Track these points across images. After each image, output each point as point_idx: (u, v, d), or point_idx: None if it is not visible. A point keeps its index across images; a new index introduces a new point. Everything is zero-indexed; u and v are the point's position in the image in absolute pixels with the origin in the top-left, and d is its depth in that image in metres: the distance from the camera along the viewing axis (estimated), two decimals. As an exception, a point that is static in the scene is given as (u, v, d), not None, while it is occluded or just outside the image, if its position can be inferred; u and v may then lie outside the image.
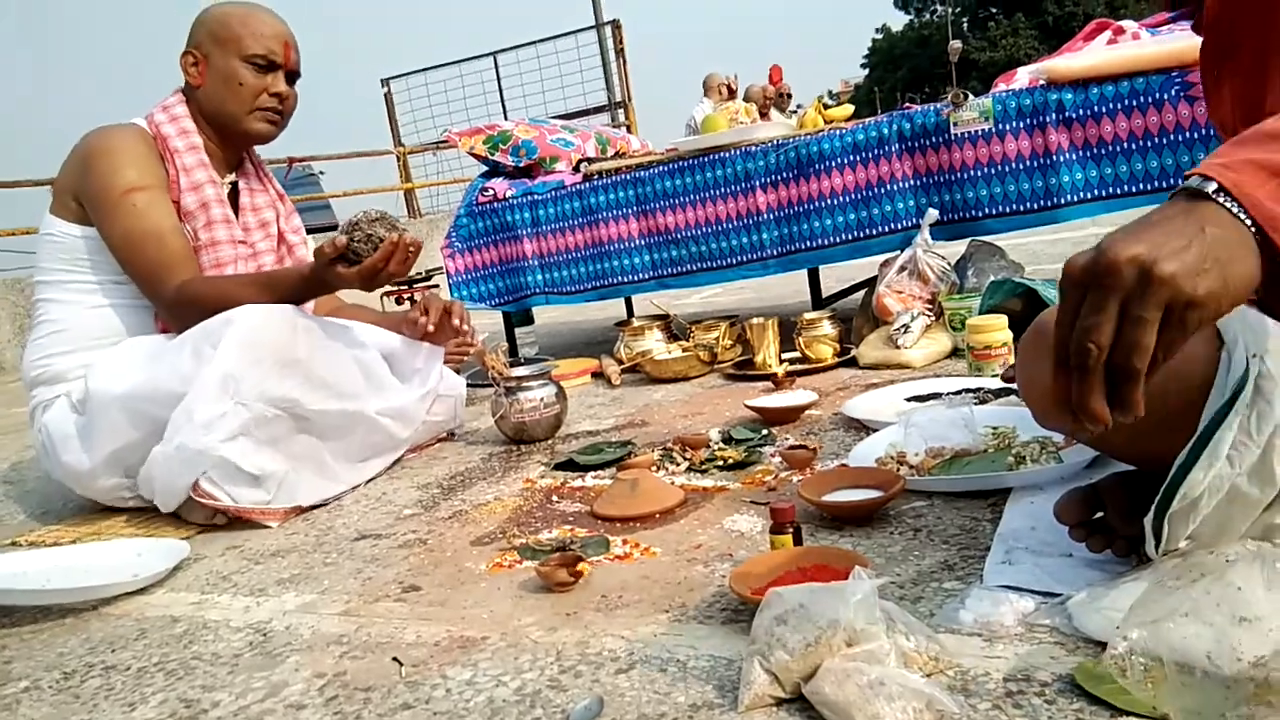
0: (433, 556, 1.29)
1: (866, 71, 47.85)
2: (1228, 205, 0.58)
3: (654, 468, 1.54)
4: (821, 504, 1.19)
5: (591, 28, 8.82)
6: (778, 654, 0.76)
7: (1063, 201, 2.11)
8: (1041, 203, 2.14)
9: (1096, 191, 2.09)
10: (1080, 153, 2.09)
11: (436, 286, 3.54)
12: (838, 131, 2.36)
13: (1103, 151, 2.06)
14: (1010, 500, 1.14)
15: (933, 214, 2.20)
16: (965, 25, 39.48)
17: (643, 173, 2.61)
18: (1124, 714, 0.68)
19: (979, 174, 2.18)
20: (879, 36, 46.76)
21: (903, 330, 2.08)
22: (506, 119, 6.06)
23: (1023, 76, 2.25)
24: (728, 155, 2.48)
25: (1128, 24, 2.40)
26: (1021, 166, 2.14)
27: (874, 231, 2.33)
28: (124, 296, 1.76)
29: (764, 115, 5.69)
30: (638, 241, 2.64)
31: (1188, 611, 0.68)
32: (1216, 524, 0.79)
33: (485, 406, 2.13)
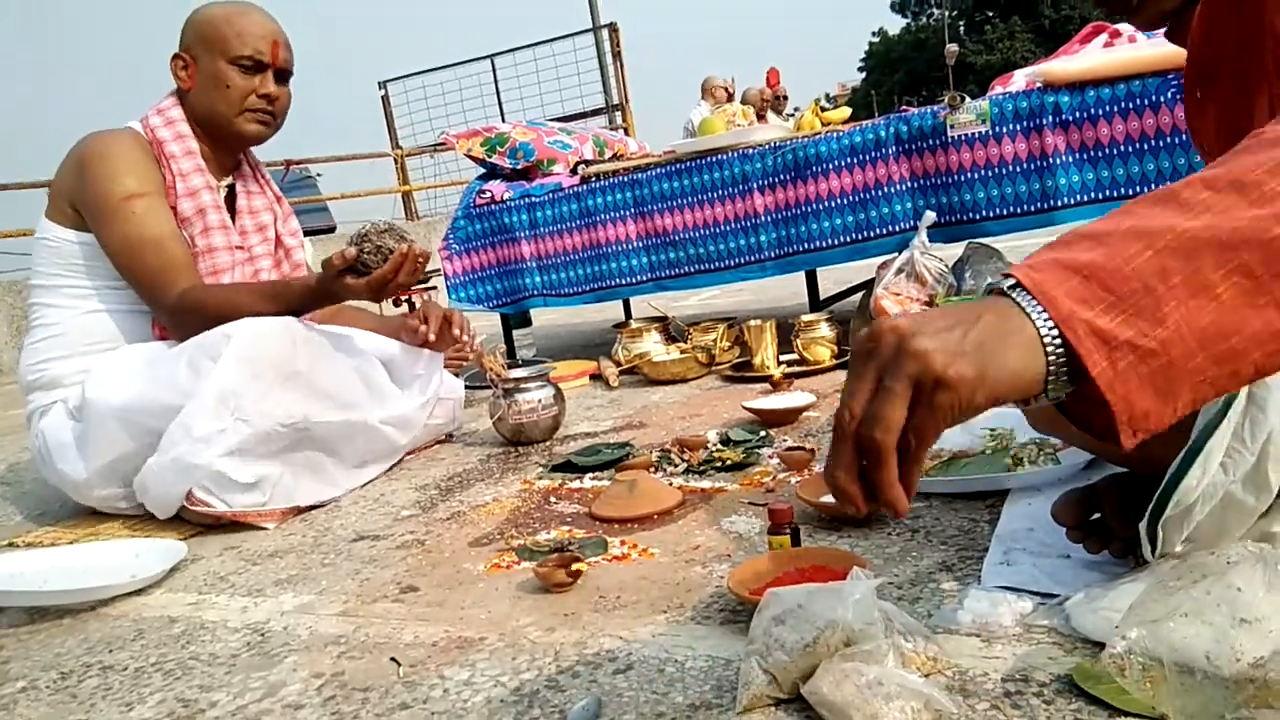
0: (431, 557, 1.29)
1: (863, 74, 47.92)
2: (1018, 299, 0.54)
3: (652, 469, 1.54)
4: (819, 505, 1.19)
5: (589, 30, 8.83)
6: (776, 654, 0.76)
7: (1060, 204, 2.12)
8: (1039, 205, 2.14)
9: (1093, 194, 2.09)
10: (1077, 155, 2.09)
11: (434, 289, 3.54)
12: (835, 134, 2.37)
13: (1099, 154, 2.07)
14: (1008, 501, 1.14)
15: (930, 216, 2.21)
16: (962, 29, 39.56)
17: (640, 175, 2.61)
18: (1122, 714, 0.68)
19: (976, 176, 2.19)
20: (876, 40, 46.84)
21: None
22: (504, 121, 6.07)
23: (1019, 79, 2.26)
24: (725, 158, 2.48)
25: (1124, 27, 2.40)
26: (1019, 169, 2.14)
27: (872, 234, 2.33)
28: (120, 302, 1.75)
29: (761, 118, 5.70)
30: (635, 244, 2.64)
31: (1188, 612, 0.69)
32: (1212, 531, 0.80)
33: (483, 408, 2.12)
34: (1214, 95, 0.82)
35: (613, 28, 8.70)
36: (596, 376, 2.51)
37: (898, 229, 2.30)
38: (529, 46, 8.62)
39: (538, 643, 0.96)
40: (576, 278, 2.76)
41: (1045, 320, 0.53)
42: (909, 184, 2.28)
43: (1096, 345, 0.52)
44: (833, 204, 2.35)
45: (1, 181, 5.23)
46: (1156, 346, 0.51)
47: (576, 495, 1.49)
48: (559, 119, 7.30)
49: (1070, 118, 2.07)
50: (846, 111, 2.84)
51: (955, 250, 2.36)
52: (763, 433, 1.65)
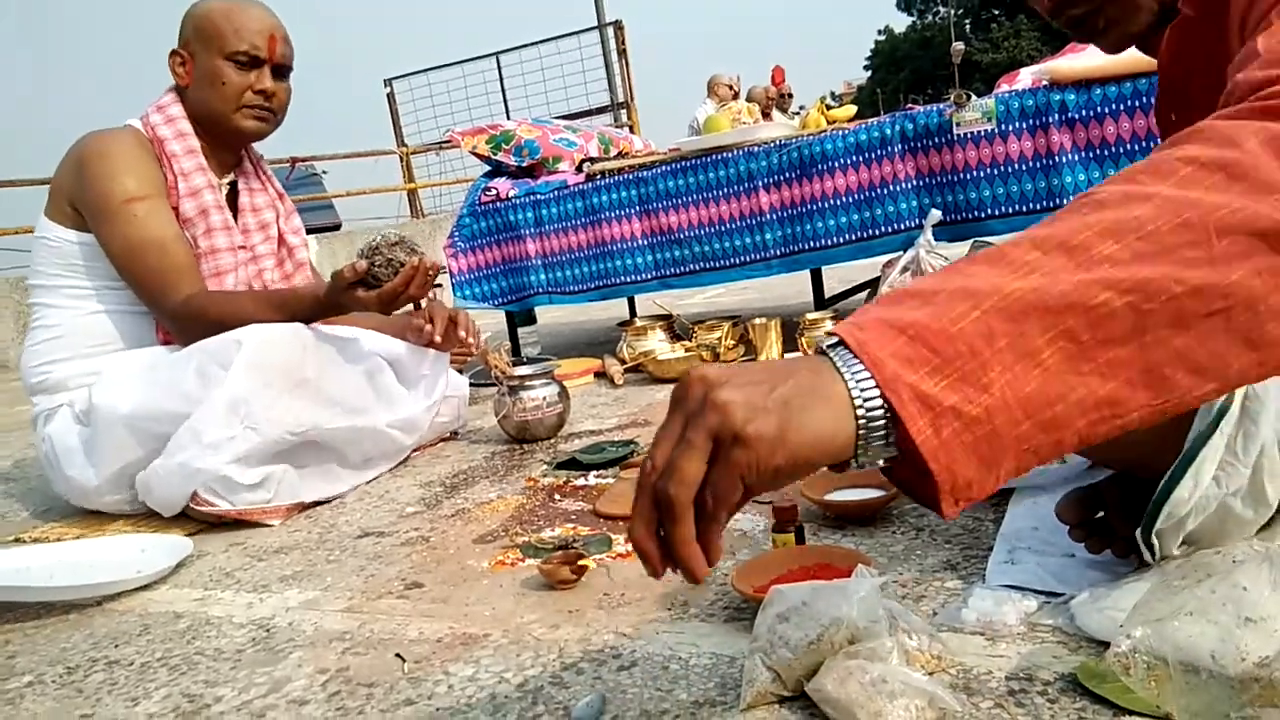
0: (435, 554, 1.29)
1: (869, 73, 47.82)
2: (834, 358, 0.52)
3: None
4: (824, 503, 1.19)
5: (594, 28, 8.83)
6: (780, 652, 0.76)
7: (1065, 202, 2.11)
8: (1044, 203, 2.14)
9: (1100, 193, 2.09)
10: (1083, 154, 2.09)
11: (440, 286, 3.55)
12: (840, 132, 2.36)
13: (1105, 152, 2.06)
14: (1013, 500, 1.14)
15: (935, 214, 2.21)
16: (968, 27, 39.48)
17: (645, 173, 2.61)
18: (1127, 713, 0.68)
19: (982, 175, 2.18)
20: (881, 38, 46.74)
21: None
22: (509, 119, 6.07)
23: (1025, 78, 2.25)
24: (730, 155, 2.48)
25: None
26: (1024, 167, 2.14)
27: (877, 232, 2.33)
28: (122, 302, 1.74)
29: (766, 116, 5.69)
30: (640, 241, 2.64)
31: (1193, 611, 0.69)
32: (1211, 541, 0.80)
33: (488, 406, 2.13)
34: (1188, 118, 0.82)
35: (618, 26, 8.69)
36: (601, 374, 2.51)
37: (903, 227, 2.29)
38: (534, 44, 8.62)
39: (542, 639, 0.97)
40: (581, 275, 2.76)
41: (861, 381, 0.51)
42: (914, 182, 2.28)
43: (921, 411, 0.50)
44: (838, 202, 2.35)
45: (6, 178, 5.25)
46: (981, 414, 0.49)
47: (581, 493, 1.49)
48: (564, 117, 7.30)
49: (1076, 116, 2.07)
50: (852, 109, 2.83)
51: (960, 249, 2.34)
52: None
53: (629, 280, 2.68)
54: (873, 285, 2.40)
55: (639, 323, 2.67)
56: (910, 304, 0.53)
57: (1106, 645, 0.74)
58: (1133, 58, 2.11)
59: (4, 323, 5.23)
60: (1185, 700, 0.66)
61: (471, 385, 2.23)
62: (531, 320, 3.07)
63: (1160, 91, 0.88)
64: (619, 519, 1.31)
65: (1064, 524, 0.92)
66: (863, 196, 2.32)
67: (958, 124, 2.19)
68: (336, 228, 8.91)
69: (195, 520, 1.58)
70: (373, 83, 9.12)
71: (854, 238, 2.36)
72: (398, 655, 0.98)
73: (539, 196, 2.77)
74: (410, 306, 1.79)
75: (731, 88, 7.17)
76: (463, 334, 1.87)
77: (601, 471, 1.59)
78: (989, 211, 2.20)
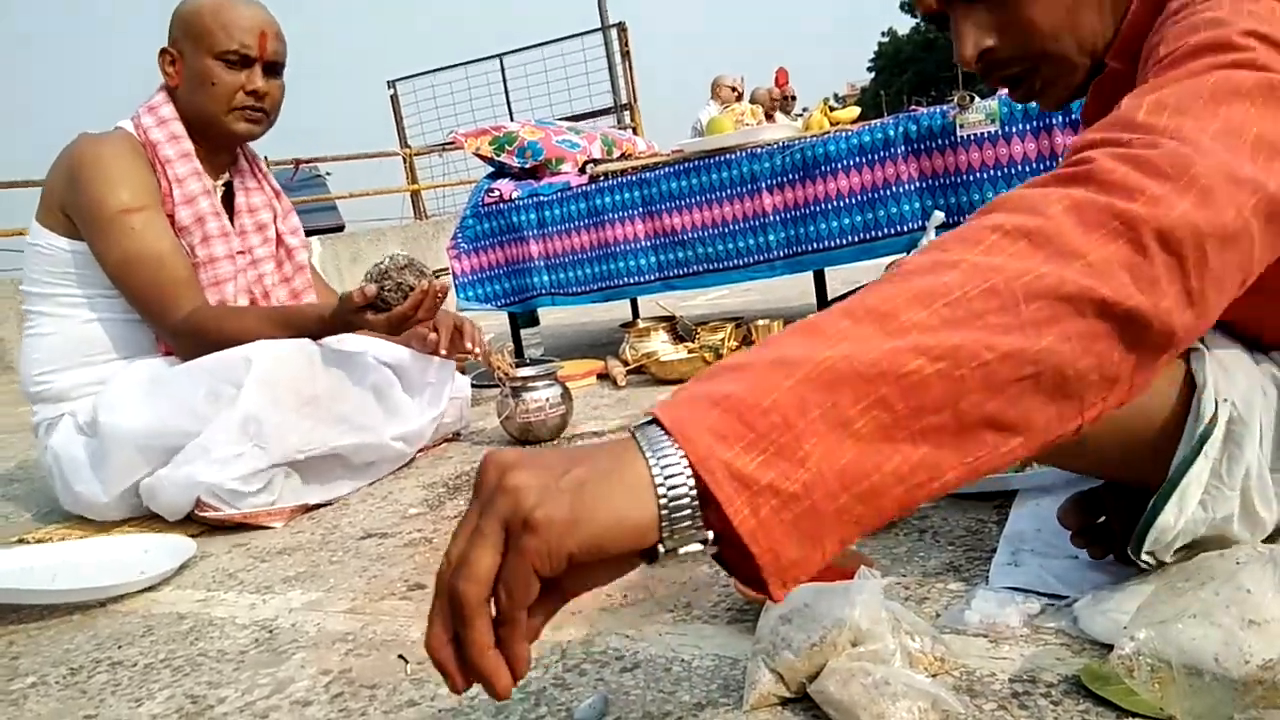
0: (438, 555, 1.29)
1: (872, 74, 47.80)
2: (639, 438, 0.50)
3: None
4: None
5: (597, 30, 8.83)
6: (783, 653, 0.76)
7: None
8: (1048, 205, 2.14)
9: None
10: (1087, 155, 2.09)
11: (439, 277, 3.55)
12: (844, 134, 2.36)
13: (1110, 154, 2.06)
14: (1016, 502, 1.14)
15: (939, 216, 2.20)
16: (972, 28, 39.30)
17: (648, 174, 2.61)
18: (1130, 715, 0.68)
19: (985, 176, 2.18)
20: (885, 40, 46.73)
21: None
22: (512, 120, 6.08)
23: (1029, 79, 2.25)
24: (734, 157, 2.48)
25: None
26: (1028, 169, 2.13)
27: (880, 233, 2.33)
28: (118, 311, 1.70)
29: (769, 117, 5.70)
30: (643, 243, 2.64)
31: (1196, 613, 0.68)
32: (1212, 549, 0.80)
33: (491, 407, 2.13)
34: None
35: (621, 27, 8.70)
36: (604, 376, 2.51)
37: (906, 229, 2.29)
38: (538, 46, 8.63)
39: (544, 641, 0.97)
40: (584, 277, 2.76)
41: (664, 460, 0.48)
42: (918, 184, 2.28)
43: (738, 490, 0.47)
44: (841, 204, 2.35)
45: (5, 180, 5.24)
46: (799, 490, 0.48)
47: (584, 494, 1.49)
48: (567, 118, 7.30)
49: (1079, 118, 2.06)
50: (855, 111, 2.83)
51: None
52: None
53: (632, 282, 2.69)
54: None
55: (642, 324, 2.67)
56: (725, 377, 0.51)
57: (1110, 648, 0.73)
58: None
59: (8, 324, 5.24)
60: (1188, 703, 0.66)
61: (474, 387, 2.23)
62: (534, 321, 3.07)
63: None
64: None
65: (1065, 529, 0.92)
66: (866, 198, 2.32)
67: (961, 126, 2.19)
68: (340, 229, 8.92)
69: (199, 522, 1.58)
70: (376, 84, 9.14)
71: (857, 239, 2.36)
72: (400, 656, 0.98)
73: (542, 198, 2.78)
74: None
75: (735, 89, 7.18)
76: (469, 344, 1.85)
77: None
78: (992, 213, 2.20)
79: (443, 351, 1.81)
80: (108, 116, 1.80)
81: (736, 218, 2.50)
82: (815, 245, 2.41)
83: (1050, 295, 0.50)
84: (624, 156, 3.03)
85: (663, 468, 0.48)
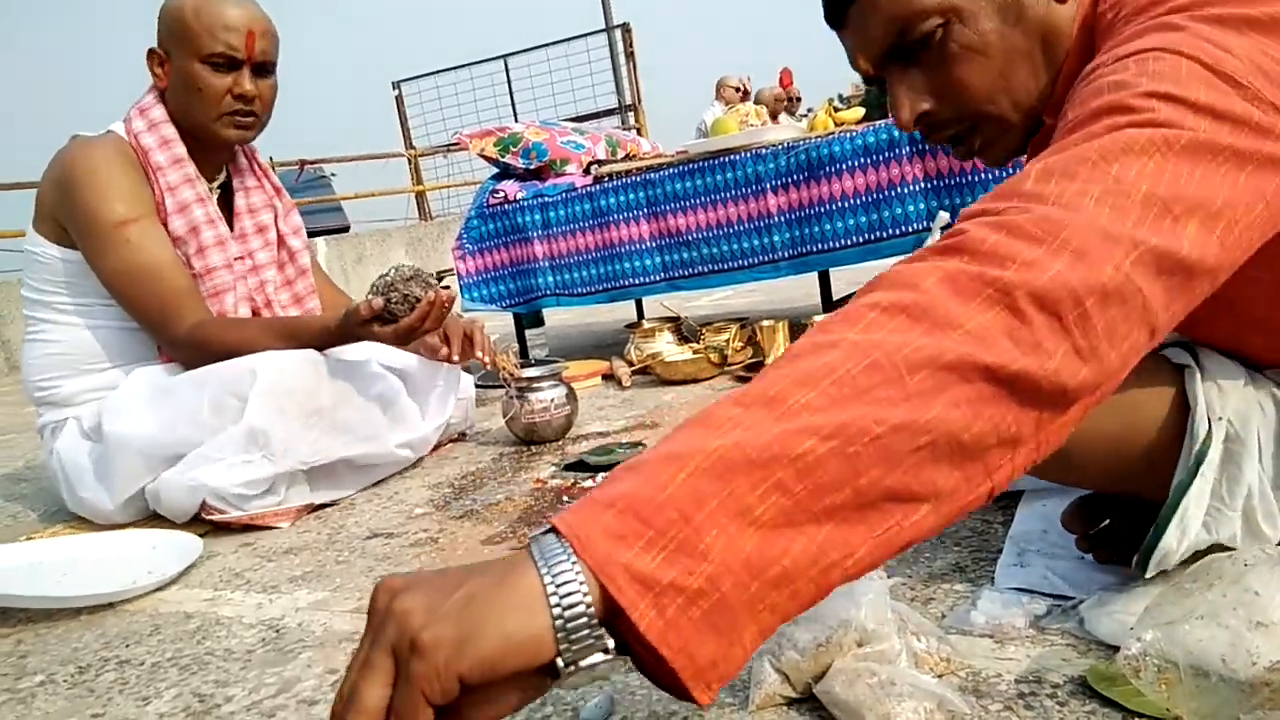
0: (444, 555, 1.30)
1: (877, 75, 47.70)
2: (533, 549, 0.49)
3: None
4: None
5: (602, 31, 8.84)
6: (788, 653, 0.76)
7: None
8: (1053, 206, 2.13)
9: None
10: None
11: (448, 288, 3.56)
12: (848, 134, 2.36)
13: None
14: (1022, 503, 1.14)
15: (944, 216, 2.20)
16: (976, 29, 39.29)
17: (653, 175, 2.61)
18: (1136, 716, 0.68)
19: (990, 176, 2.18)
20: (890, 40, 46.67)
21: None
22: (517, 121, 6.08)
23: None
24: (738, 158, 2.48)
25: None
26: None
27: (885, 234, 2.33)
28: (118, 319, 1.69)
29: (774, 118, 5.69)
30: (648, 243, 2.65)
31: (1203, 614, 0.68)
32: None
33: (496, 407, 2.13)
34: None
35: (626, 28, 8.71)
36: (609, 376, 2.51)
37: (911, 229, 2.29)
38: (542, 47, 8.64)
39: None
40: (589, 277, 2.76)
41: (556, 569, 0.47)
42: (922, 184, 2.27)
43: (640, 593, 0.46)
44: (846, 204, 2.35)
45: (8, 181, 5.25)
46: (704, 585, 0.46)
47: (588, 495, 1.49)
48: (572, 119, 7.31)
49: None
50: (860, 112, 2.83)
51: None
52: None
53: (637, 282, 2.69)
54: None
55: (646, 325, 2.67)
56: (621, 478, 0.50)
57: (1116, 649, 0.73)
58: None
59: (14, 325, 5.26)
60: (1195, 704, 0.66)
61: (479, 387, 2.23)
62: (539, 322, 3.08)
63: None
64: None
65: (1070, 533, 0.92)
66: (871, 199, 2.32)
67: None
68: (345, 230, 8.94)
69: (205, 523, 1.58)
70: (381, 85, 9.14)
71: (862, 240, 2.36)
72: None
73: (547, 199, 2.78)
74: None
75: (739, 89, 7.17)
76: (479, 353, 1.81)
77: (609, 474, 1.59)
78: (997, 214, 2.20)
79: (455, 358, 1.79)
80: (106, 115, 1.77)
81: (741, 218, 2.50)
82: (820, 246, 2.41)
83: (932, 365, 0.50)
84: (628, 157, 3.03)
85: (555, 576, 0.47)
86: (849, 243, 2.37)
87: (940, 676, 0.76)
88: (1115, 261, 0.52)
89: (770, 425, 0.49)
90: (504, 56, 8.82)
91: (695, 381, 2.32)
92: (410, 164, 8.56)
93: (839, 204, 2.36)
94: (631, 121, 8.70)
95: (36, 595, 1.27)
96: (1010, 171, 2.15)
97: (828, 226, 2.38)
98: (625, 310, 3.65)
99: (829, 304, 2.67)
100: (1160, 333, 0.55)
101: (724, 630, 0.48)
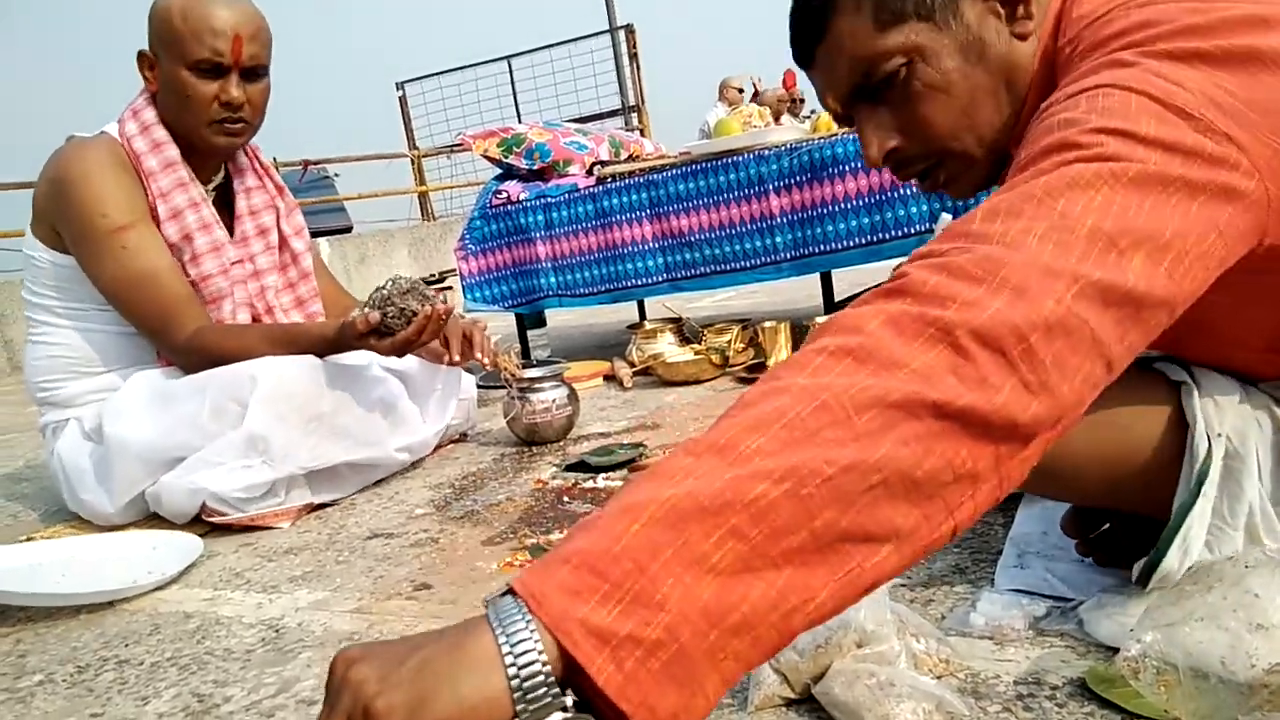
0: (444, 555, 1.30)
1: (881, 77, 47.71)
2: (489, 611, 0.49)
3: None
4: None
5: (605, 32, 8.84)
6: (787, 654, 0.76)
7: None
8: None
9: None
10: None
11: (450, 288, 3.56)
12: (851, 136, 2.36)
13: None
14: (1022, 505, 1.14)
15: (946, 218, 2.20)
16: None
17: (656, 176, 2.61)
18: (1135, 717, 0.68)
19: (993, 178, 2.18)
20: (894, 42, 46.67)
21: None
22: (520, 122, 6.09)
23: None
24: (741, 159, 2.48)
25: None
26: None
27: (887, 235, 2.32)
28: (110, 323, 1.68)
29: (777, 119, 5.69)
30: (651, 244, 2.64)
31: (1203, 616, 0.68)
32: None
33: (497, 408, 2.13)
34: None
35: (629, 29, 8.71)
36: (610, 377, 2.51)
37: (913, 231, 2.29)
38: (546, 48, 8.65)
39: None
40: (592, 278, 2.76)
41: (510, 629, 0.47)
42: (925, 186, 2.27)
43: (596, 647, 0.46)
44: (848, 205, 2.35)
45: (9, 182, 5.25)
46: (663, 635, 0.46)
47: (590, 495, 1.49)
48: (575, 120, 7.31)
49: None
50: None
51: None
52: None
53: (639, 283, 2.69)
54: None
55: (648, 326, 2.67)
56: (577, 535, 0.51)
57: (1115, 650, 0.73)
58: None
59: (16, 325, 5.27)
60: (1194, 705, 0.66)
61: (480, 388, 2.23)
62: (541, 323, 3.08)
63: None
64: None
65: (1069, 538, 0.92)
66: (874, 200, 2.32)
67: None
68: (348, 230, 8.95)
69: (205, 523, 1.58)
70: (385, 86, 9.15)
71: (864, 241, 2.35)
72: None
73: (550, 199, 2.78)
74: None
75: (743, 90, 7.18)
76: (478, 355, 1.80)
77: (610, 474, 1.59)
78: (1000, 215, 2.19)
79: (456, 358, 1.77)
80: (109, 114, 1.75)
81: (744, 219, 2.50)
82: (823, 247, 2.40)
83: (879, 404, 0.50)
84: (632, 158, 3.03)
85: (509, 636, 0.47)
86: (851, 244, 2.37)
87: (939, 678, 0.76)
88: (1056, 295, 0.52)
89: (722, 472, 0.49)
90: (507, 57, 8.83)
91: (697, 382, 2.32)
92: (413, 164, 8.57)
93: (841, 205, 2.36)
94: (635, 122, 8.70)
95: (36, 593, 1.27)
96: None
97: (830, 228, 2.38)
98: (627, 311, 3.65)
99: (831, 305, 2.67)
100: (1117, 364, 0.55)
101: (685, 681, 0.47)
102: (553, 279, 2.82)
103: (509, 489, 1.59)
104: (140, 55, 1.65)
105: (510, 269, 2.90)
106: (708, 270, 2.58)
